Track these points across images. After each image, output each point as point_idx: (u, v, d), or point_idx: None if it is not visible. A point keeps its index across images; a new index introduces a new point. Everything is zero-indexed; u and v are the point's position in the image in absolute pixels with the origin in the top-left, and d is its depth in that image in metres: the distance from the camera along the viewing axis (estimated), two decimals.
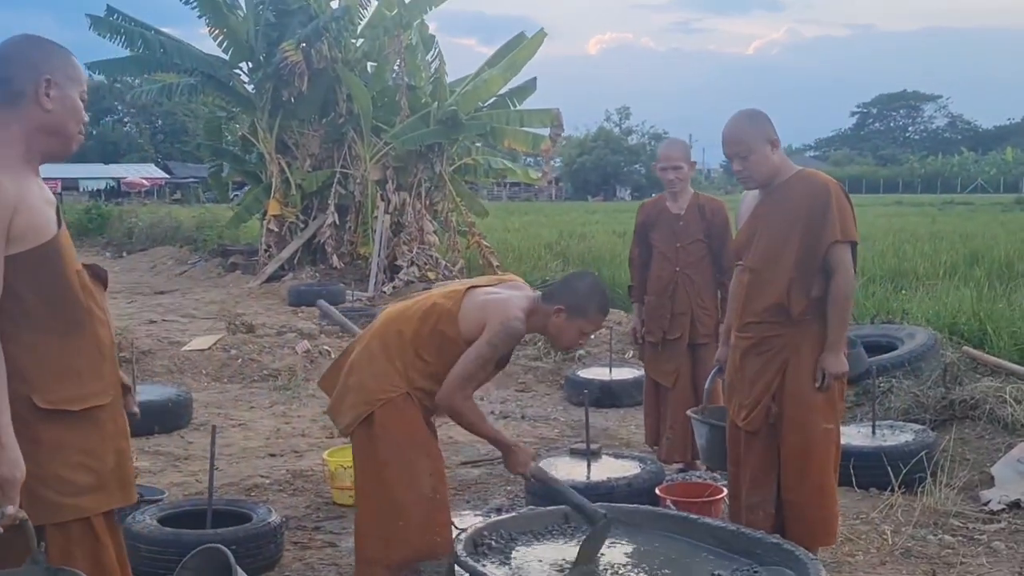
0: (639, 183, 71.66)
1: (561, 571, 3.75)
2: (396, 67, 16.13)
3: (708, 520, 4.17)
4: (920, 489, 5.50)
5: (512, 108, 16.81)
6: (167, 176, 68.54)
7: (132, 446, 5.92)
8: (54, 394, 2.57)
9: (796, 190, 4.20)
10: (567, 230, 23.58)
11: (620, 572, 3.75)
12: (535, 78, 17.07)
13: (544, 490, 4.14)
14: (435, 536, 3.79)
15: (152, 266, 20.06)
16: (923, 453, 5.63)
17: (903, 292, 10.66)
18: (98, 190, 60.91)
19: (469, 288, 3.85)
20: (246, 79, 17.28)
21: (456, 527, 3.98)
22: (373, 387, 3.73)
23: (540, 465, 4.39)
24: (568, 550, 3.96)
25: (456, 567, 3.73)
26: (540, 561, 3.86)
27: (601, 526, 3.85)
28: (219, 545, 4.10)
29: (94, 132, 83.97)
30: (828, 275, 4.12)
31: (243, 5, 16.98)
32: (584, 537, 3.87)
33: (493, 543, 4.02)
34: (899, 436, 5.96)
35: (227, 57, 16.78)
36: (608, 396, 8.33)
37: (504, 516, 4.36)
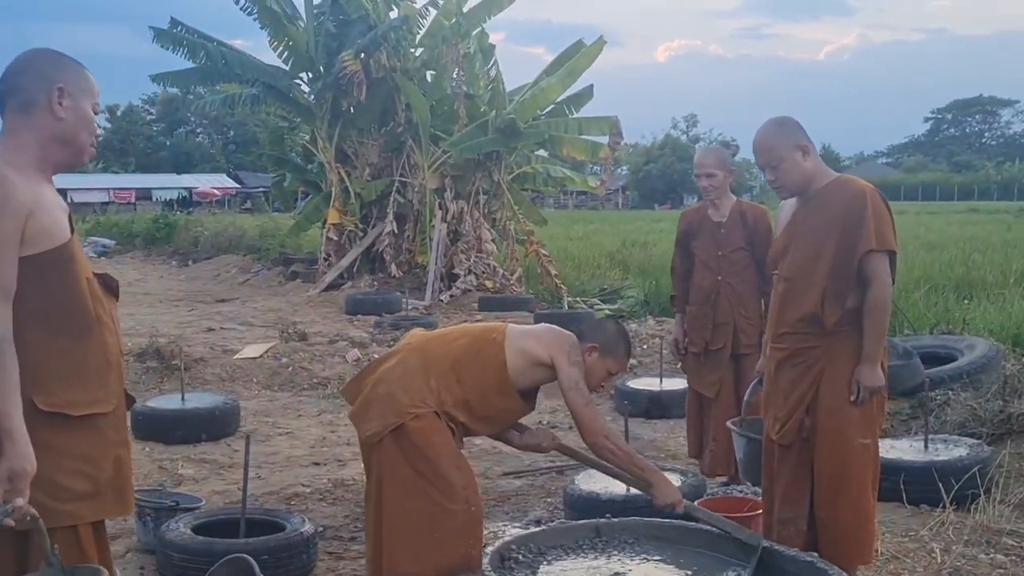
0: None
1: None
2: (455, 76, 16.13)
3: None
4: (973, 506, 5.30)
5: (570, 116, 16.74)
6: (238, 186, 69.69)
7: (178, 455, 5.87)
8: (56, 397, 2.58)
9: (832, 197, 4.08)
10: (630, 239, 23.43)
11: None
12: (592, 85, 17.01)
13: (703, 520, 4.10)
14: (469, 549, 3.75)
15: (216, 274, 20.33)
16: (976, 468, 5.43)
17: (966, 302, 10.36)
18: (170, 200, 62.11)
19: (508, 323, 4.03)
20: (306, 89, 17.46)
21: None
22: (404, 400, 3.71)
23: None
24: (598, 566, 3.88)
25: None
26: None
27: (758, 554, 3.80)
28: (244, 555, 4.11)
29: (167, 143, 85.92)
30: (864, 285, 3.99)
31: (303, 16, 17.15)
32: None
33: (520, 557, 3.95)
34: (952, 451, 5.76)
35: (287, 68, 16.95)
36: (657, 407, 8.21)
37: (533, 529, 4.30)
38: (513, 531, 4.81)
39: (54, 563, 2.48)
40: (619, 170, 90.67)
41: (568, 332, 3.91)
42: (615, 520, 4.22)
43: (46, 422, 2.56)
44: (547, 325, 4.04)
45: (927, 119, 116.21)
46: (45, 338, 2.58)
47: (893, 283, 4.08)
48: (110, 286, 2.83)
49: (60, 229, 2.62)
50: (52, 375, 2.58)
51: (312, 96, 17.27)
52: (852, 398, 4.01)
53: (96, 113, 2.77)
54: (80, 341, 2.63)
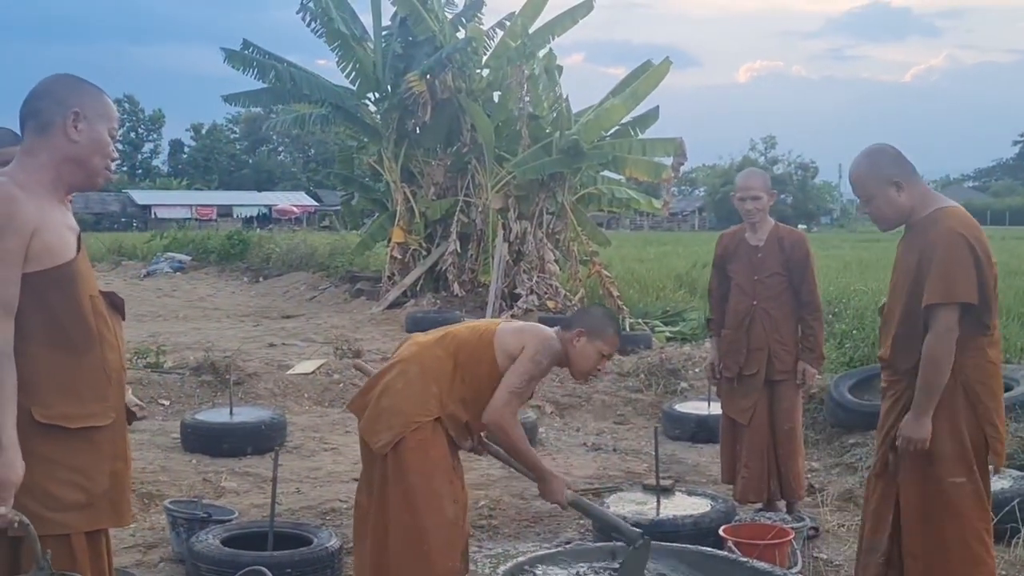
0: (784, 213, 70.19)
1: None
2: (520, 97, 16.18)
3: (757, 565, 4.02)
4: (1014, 540, 5.16)
5: (635, 137, 16.71)
6: (316, 204, 70.65)
7: (224, 468, 5.89)
8: (52, 409, 2.66)
9: (917, 237, 3.92)
10: (701, 260, 23.17)
11: None
12: (657, 107, 16.92)
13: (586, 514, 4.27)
14: (455, 562, 3.85)
15: (285, 291, 20.64)
16: (1017, 501, 5.29)
17: None
18: (250, 217, 63.24)
19: (500, 324, 4.08)
20: (373, 109, 17.70)
21: None
22: (409, 410, 3.82)
23: (579, 496, 4.38)
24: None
25: None
26: None
27: (639, 547, 3.92)
28: (262, 568, 4.19)
29: (250, 161, 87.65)
30: None
31: (372, 37, 17.41)
32: (622, 561, 3.88)
33: None
34: (995, 483, 5.59)
35: (355, 88, 17.21)
36: (704, 431, 8.12)
37: (548, 551, 4.31)
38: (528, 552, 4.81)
39: (44, 568, 2.57)
40: (696, 191, 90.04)
41: (550, 334, 3.97)
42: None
43: (42, 433, 2.65)
44: (534, 324, 4.15)
45: (1016, 142, 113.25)
46: (45, 352, 2.67)
47: (986, 327, 3.85)
48: (116, 304, 2.92)
49: (65, 248, 2.72)
50: (50, 388, 2.67)
51: (379, 116, 17.52)
52: (896, 443, 3.91)
53: (113, 138, 2.88)
54: (79, 356, 2.72)
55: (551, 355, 3.91)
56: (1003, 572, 4.85)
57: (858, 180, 3.99)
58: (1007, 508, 5.25)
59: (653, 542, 4.13)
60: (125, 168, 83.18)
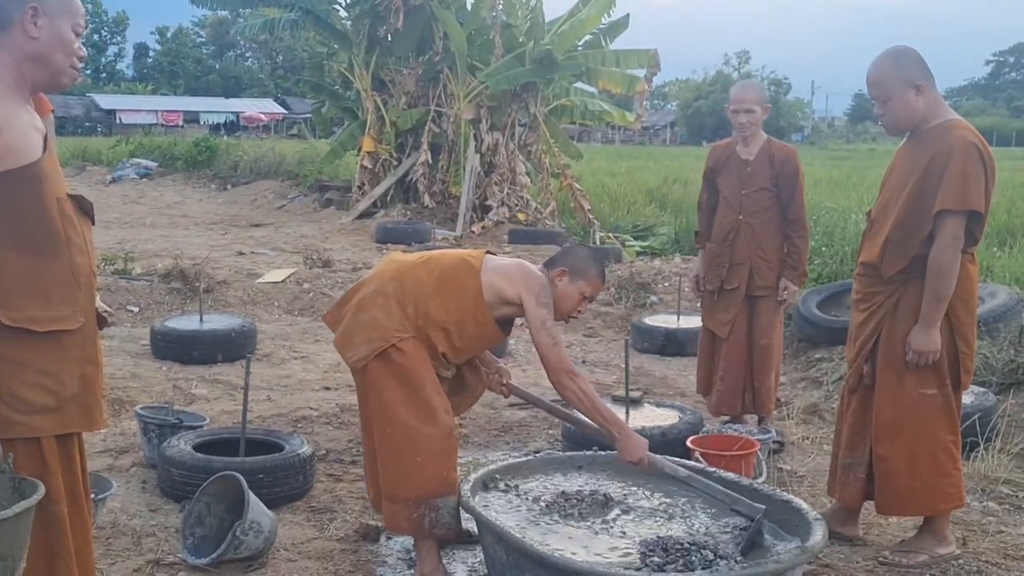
0: None
1: (542, 504, 3.78)
2: (493, 5, 15.92)
3: (723, 474, 4.08)
4: (973, 454, 5.27)
5: (607, 47, 16.51)
6: (284, 111, 69.58)
7: (193, 375, 5.82)
8: (20, 312, 2.62)
9: (926, 144, 3.89)
10: (672, 175, 23.17)
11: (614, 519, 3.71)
12: (628, 15, 16.69)
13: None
14: (451, 472, 3.84)
15: (253, 199, 20.45)
16: (977, 417, 5.39)
17: (995, 250, 10.18)
18: (218, 124, 62.29)
19: (486, 252, 4.03)
20: (344, 15, 17.36)
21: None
22: (388, 325, 3.78)
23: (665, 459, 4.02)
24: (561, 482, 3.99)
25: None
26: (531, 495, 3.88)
27: (757, 521, 3.54)
28: (235, 473, 4.21)
29: (216, 66, 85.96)
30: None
31: None
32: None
33: (503, 486, 4.02)
34: None
35: None
36: (673, 344, 8.22)
37: (518, 459, 4.36)
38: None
39: (5, 471, 2.55)
40: (668, 106, 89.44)
41: (538, 272, 3.89)
42: (601, 453, 4.26)
43: (10, 336, 2.61)
44: (519, 262, 4.00)
45: (988, 62, 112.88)
46: (11, 255, 2.61)
47: (977, 242, 3.92)
48: (84, 208, 2.86)
49: (30, 148, 2.64)
50: (17, 291, 2.62)
51: (350, 22, 17.19)
52: (907, 358, 3.95)
53: (78, 34, 2.78)
54: (46, 259, 2.67)
55: (549, 292, 3.84)
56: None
57: (879, 79, 3.93)
58: (967, 423, 5.33)
59: (614, 452, 4.09)
60: (89, 72, 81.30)
